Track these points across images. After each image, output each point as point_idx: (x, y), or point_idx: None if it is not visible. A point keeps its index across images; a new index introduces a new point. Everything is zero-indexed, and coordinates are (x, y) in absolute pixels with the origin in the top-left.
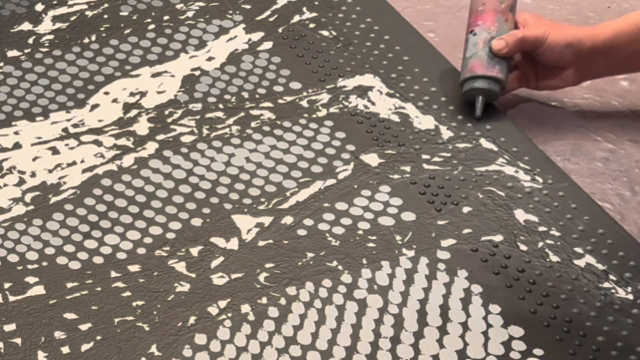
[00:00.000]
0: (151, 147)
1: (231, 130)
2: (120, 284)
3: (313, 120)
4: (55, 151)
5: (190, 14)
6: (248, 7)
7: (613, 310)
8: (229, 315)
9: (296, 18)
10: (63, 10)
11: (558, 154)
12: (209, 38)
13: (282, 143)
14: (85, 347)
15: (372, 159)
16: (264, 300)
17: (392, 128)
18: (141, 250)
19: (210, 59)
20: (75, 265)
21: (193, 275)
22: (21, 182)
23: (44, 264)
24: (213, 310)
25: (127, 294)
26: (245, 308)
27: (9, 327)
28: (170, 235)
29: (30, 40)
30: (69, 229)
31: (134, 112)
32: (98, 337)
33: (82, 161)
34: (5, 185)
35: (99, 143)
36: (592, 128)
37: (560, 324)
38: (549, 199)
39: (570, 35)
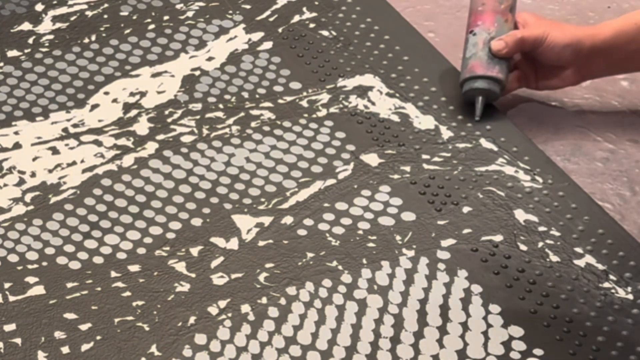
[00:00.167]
0: (151, 147)
1: (231, 130)
2: (120, 284)
3: (313, 120)
4: (55, 151)
5: (190, 14)
6: (248, 7)
7: (613, 310)
8: (229, 315)
9: (296, 18)
10: (63, 10)
11: (558, 154)
12: (209, 38)
13: (282, 143)
14: (85, 347)
15: (372, 159)
16: (264, 300)
17: (392, 128)
18: (141, 250)
19: (210, 59)
20: (75, 265)
21: (193, 275)
22: (21, 182)
23: (44, 264)
24: (213, 310)
25: (127, 294)
26: (245, 308)
27: (9, 327)
28: (170, 235)
29: (30, 40)
30: (69, 229)
31: (134, 112)
32: (98, 337)
33: (82, 161)
34: (5, 185)
35: (99, 143)
36: (592, 128)
37: (560, 324)
38: (549, 199)
39: (569, 35)
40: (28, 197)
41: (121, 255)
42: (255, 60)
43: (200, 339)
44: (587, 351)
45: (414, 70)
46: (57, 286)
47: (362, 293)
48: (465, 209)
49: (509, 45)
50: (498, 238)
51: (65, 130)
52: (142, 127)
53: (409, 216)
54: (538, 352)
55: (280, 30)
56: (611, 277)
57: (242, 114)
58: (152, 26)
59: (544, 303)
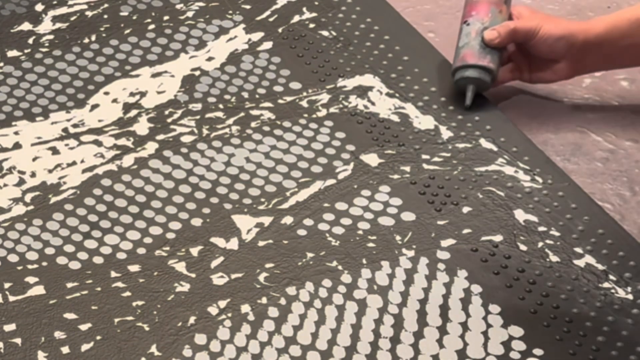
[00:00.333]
0: (151, 147)
1: (231, 130)
2: (120, 284)
3: (313, 120)
4: (55, 151)
5: (190, 14)
6: (248, 7)
7: (613, 310)
8: (229, 315)
9: (296, 18)
10: (63, 10)
11: (558, 154)
12: (209, 38)
13: (282, 143)
14: (85, 347)
15: (372, 159)
16: (264, 300)
17: (392, 128)
18: (141, 250)
19: (210, 59)
20: (75, 265)
21: (193, 275)
22: (21, 182)
23: (44, 264)
24: (213, 310)
25: (127, 294)
26: (245, 308)
27: (9, 327)
28: (170, 235)
29: (30, 40)
30: (69, 229)
31: (134, 112)
32: (98, 337)
33: (82, 161)
34: (5, 185)
35: (99, 143)
36: (592, 128)
37: (560, 324)
38: (548, 199)
39: (563, 29)
40: (28, 197)
41: (121, 255)
42: (255, 60)
43: (200, 339)
44: (587, 351)
45: (414, 70)
46: (57, 286)
47: (362, 293)
48: (465, 209)
49: (502, 35)
50: (498, 238)
51: (65, 130)
52: (142, 127)
53: (408, 216)
54: (538, 352)
55: (280, 30)
56: (611, 277)
57: (242, 114)
58: (152, 26)
59: (544, 303)
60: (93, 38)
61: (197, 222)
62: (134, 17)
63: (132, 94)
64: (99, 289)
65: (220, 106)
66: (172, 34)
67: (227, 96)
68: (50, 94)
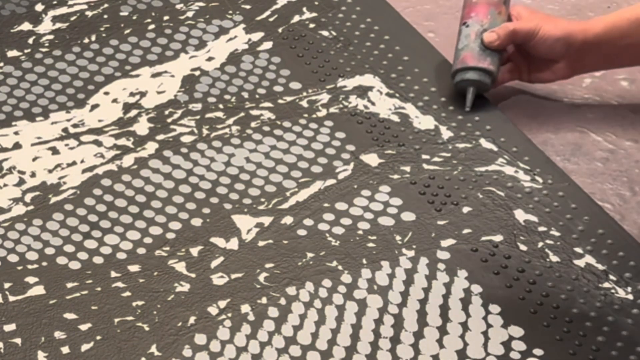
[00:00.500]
0: (151, 147)
1: (231, 130)
2: (120, 284)
3: (313, 120)
4: (55, 151)
5: (190, 14)
6: (248, 7)
7: (613, 310)
8: (229, 315)
9: (296, 18)
10: (63, 10)
11: (558, 154)
12: (209, 38)
13: (282, 143)
14: (85, 347)
15: (372, 159)
16: (264, 300)
17: (392, 128)
18: (141, 250)
19: (210, 59)
20: (75, 265)
21: (193, 275)
22: (21, 182)
23: (44, 264)
24: (213, 310)
25: (127, 294)
26: (245, 308)
27: (9, 327)
28: (170, 235)
29: (30, 40)
30: (69, 229)
31: (134, 112)
32: (98, 337)
33: (82, 161)
34: (5, 185)
35: (99, 143)
36: (592, 128)
37: (560, 324)
38: (548, 199)
39: (562, 29)
40: (28, 197)
41: (121, 255)
42: (255, 60)
43: (200, 339)
44: (587, 351)
45: (414, 70)
46: (57, 286)
47: (362, 293)
48: (465, 209)
49: (501, 37)
50: (498, 238)
51: (65, 130)
52: (142, 127)
53: (408, 216)
54: (538, 352)
55: (280, 30)
56: (611, 277)
57: (242, 114)
58: (152, 26)
59: (544, 303)
60: (93, 38)
61: (197, 222)
62: (134, 17)
63: (132, 94)
64: (99, 289)
65: (220, 106)
66: (172, 34)
67: (227, 96)
68: (50, 94)
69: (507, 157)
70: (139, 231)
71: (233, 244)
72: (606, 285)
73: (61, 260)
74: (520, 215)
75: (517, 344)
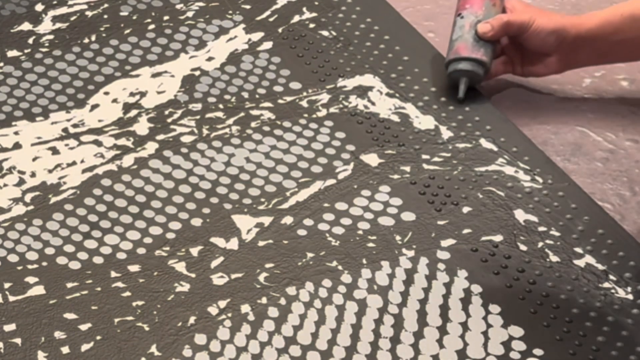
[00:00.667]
0: (151, 147)
1: (231, 130)
2: (120, 284)
3: (313, 120)
4: (55, 151)
5: (190, 14)
6: (248, 7)
7: (613, 310)
8: (229, 315)
9: (296, 18)
10: (63, 10)
11: (558, 154)
12: (209, 38)
13: (282, 143)
14: (85, 347)
15: (372, 159)
16: (264, 300)
17: (392, 128)
18: (141, 250)
19: (210, 59)
20: (75, 265)
21: (193, 275)
22: (21, 182)
23: (44, 264)
24: (213, 310)
25: (127, 294)
26: (245, 308)
27: (9, 327)
28: (170, 235)
29: (30, 40)
30: (69, 229)
31: (134, 112)
32: (98, 337)
33: (82, 161)
34: (5, 185)
35: (99, 143)
36: (592, 128)
37: (560, 324)
38: (548, 199)
39: (555, 23)
40: (28, 197)
41: (121, 255)
42: (255, 60)
43: (200, 339)
44: (587, 351)
45: (414, 70)
46: (57, 286)
47: (362, 293)
48: (465, 209)
49: (495, 28)
50: (498, 238)
51: (65, 130)
52: (142, 127)
53: (408, 216)
54: (538, 352)
55: (280, 30)
56: (611, 277)
57: (242, 114)
58: (152, 26)
59: (544, 303)
60: (93, 38)
61: (197, 222)
62: (134, 17)
63: (132, 94)
64: (99, 289)
65: (220, 106)
66: (172, 34)
67: (227, 96)
68: (50, 94)
69: (507, 157)
70: (139, 231)
71: (233, 244)
72: (606, 285)
73: (61, 260)
74: (520, 215)
75: (517, 344)
